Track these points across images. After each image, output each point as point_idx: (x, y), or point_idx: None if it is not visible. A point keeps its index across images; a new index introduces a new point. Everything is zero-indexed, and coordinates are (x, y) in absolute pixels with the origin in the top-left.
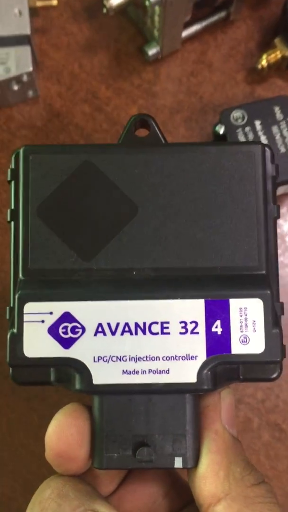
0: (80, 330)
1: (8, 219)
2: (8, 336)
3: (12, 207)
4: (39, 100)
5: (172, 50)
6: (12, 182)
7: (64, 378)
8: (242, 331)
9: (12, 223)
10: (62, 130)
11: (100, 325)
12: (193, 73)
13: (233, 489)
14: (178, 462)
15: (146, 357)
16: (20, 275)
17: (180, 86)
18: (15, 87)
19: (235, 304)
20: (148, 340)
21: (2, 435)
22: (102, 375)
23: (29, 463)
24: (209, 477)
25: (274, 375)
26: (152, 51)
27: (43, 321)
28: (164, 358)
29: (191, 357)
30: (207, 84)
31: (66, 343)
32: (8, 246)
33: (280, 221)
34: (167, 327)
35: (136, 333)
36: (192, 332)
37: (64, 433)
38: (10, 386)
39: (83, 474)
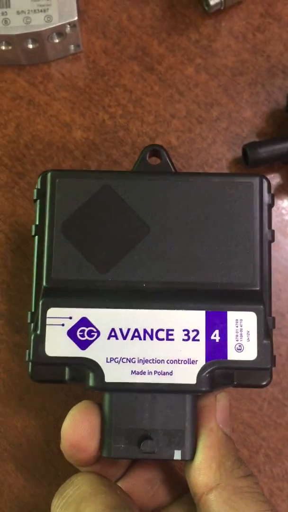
0: (95, 334)
1: (33, 233)
2: (32, 337)
3: (37, 223)
4: (81, 57)
5: (236, 1)
6: (38, 201)
7: (78, 377)
8: (237, 340)
9: (36, 237)
10: (108, 93)
11: (113, 330)
12: (260, 28)
13: (223, 479)
14: (177, 455)
15: (153, 359)
16: (44, 283)
17: (244, 43)
18: (56, 40)
19: (232, 316)
20: (154, 345)
21: (37, 442)
22: (113, 374)
23: (66, 469)
24: (203, 469)
25: (264, 383)
26: (213, 0)
27: (63, 325)
28: (168, 361)
29: (192, 361)
30: (276, 42)
31: (83, 345)
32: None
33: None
34: (171, 334)
35: (144, 338)
36: (193, 339)
37: (78, 426)
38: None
39: (96, 464)
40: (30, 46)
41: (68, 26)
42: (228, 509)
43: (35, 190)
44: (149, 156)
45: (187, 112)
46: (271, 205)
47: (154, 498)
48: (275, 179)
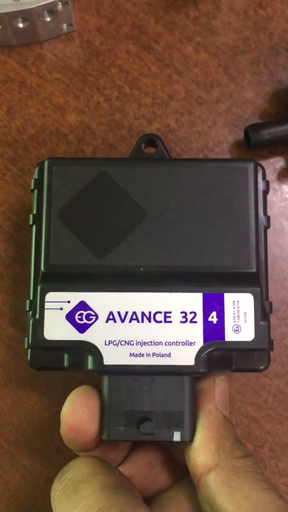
0: (94, 317)
1: (30, 223)
2: (31, 322)
3: (34, 212)
4: (74, 36)
5: None
6: (35, 191)
7: (77, 362)
8: (234, 321)
9: (34, 226)
10: (103, 74)
11: (111, 313)
12: (262, 5)
13: (222, 460)
14: (176, 436)
15: (151, 342)
16: (42, 268)
17: (245, 20)
18: (48, 19)
19: (229, 297)
20: (152, 327)
21: (34, 438)
22: (111, 356)
23: (64, 466)
24: (202, 450)
25: (262, 367)
26: None
27: (61, 309)
28: (166, 343)
29: (190, 343)
30: (279, 19)
31: (81, 328)
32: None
33: None
34: (169, 316)
35: (142, 321)
36: (191, 321)
37: (77, 410)
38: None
39: (96, 450)
40: (20, 25)
41: (60, 3)
42: (227, 488)
43: (32, 180)
44: (145, 145)
45: (186, 93)
46: (266, 191)
47: (154, 482)
48: (278, 162)
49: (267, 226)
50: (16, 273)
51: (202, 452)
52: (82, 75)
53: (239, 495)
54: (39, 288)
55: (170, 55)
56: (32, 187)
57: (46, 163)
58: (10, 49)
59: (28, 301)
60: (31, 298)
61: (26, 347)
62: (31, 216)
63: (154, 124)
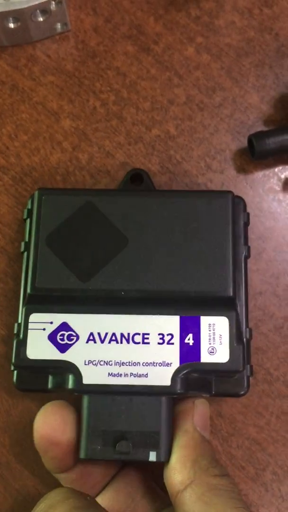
0: (75, 338)
1: (22, 250)
2: (15, 342)
3: (26, 240)
4: (69, 36)
5: None
6: (28, 220)
7: (60, 382)
8: (210, 344)
9: (25, 253)
10: (99, 77)
11: (91, 334)
12: (267, 3)
13: (198, 477)
14: (152, 456)
15: (129, 362)
16: (29, 290)
17: (250, 19)
18: (40, 18)
19: (205, 320)
20: (131, 348)
21: (27, 461)
22: (91, 376)
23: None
24: (178, 468)
25: (242, 392)
26: None
27: (44, 329)
28: (144, 364)
29: (166, 364)
30: (285, 18)
31: (63, 348)
32: None
33: None
34: (147, 338)
35: (121, 342)
36: (168, 343)
37: (49, 418)
38: None
39: (74, 471)
40: (12, 25)
41: (53, 2)
42: (202, 504)
43: (25, 210)
44: (132, 180)
45: (186, 97)
46: (246, 223)
47: None
48: (284, 171)
49: (248, 255)
50: (8, 288)
51: (178, 470)
52: (77, 78)
53: None
54: (23, 309)
55: (170, 57)
56: (25, 217)
57: (36, 193)
58: (0, 49)
59: (16, 324)
60: (19, 321)
61: (12, 368)
62: (22, 243)
63: (153, 130)
